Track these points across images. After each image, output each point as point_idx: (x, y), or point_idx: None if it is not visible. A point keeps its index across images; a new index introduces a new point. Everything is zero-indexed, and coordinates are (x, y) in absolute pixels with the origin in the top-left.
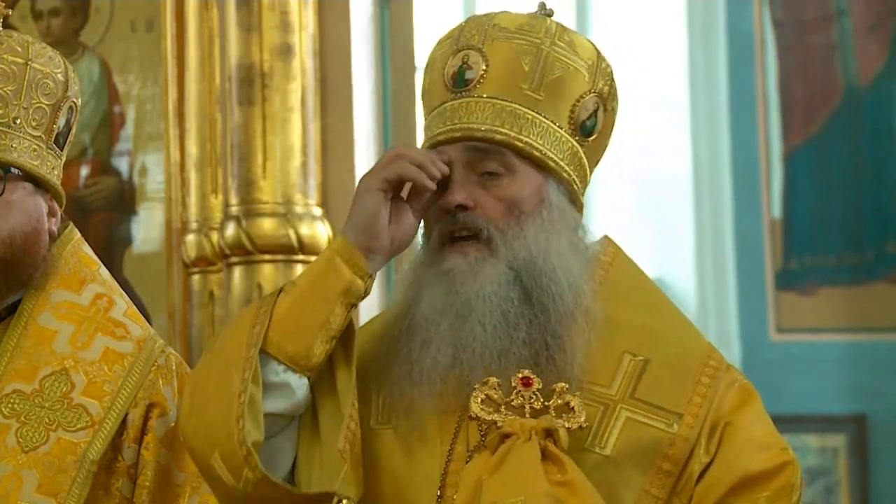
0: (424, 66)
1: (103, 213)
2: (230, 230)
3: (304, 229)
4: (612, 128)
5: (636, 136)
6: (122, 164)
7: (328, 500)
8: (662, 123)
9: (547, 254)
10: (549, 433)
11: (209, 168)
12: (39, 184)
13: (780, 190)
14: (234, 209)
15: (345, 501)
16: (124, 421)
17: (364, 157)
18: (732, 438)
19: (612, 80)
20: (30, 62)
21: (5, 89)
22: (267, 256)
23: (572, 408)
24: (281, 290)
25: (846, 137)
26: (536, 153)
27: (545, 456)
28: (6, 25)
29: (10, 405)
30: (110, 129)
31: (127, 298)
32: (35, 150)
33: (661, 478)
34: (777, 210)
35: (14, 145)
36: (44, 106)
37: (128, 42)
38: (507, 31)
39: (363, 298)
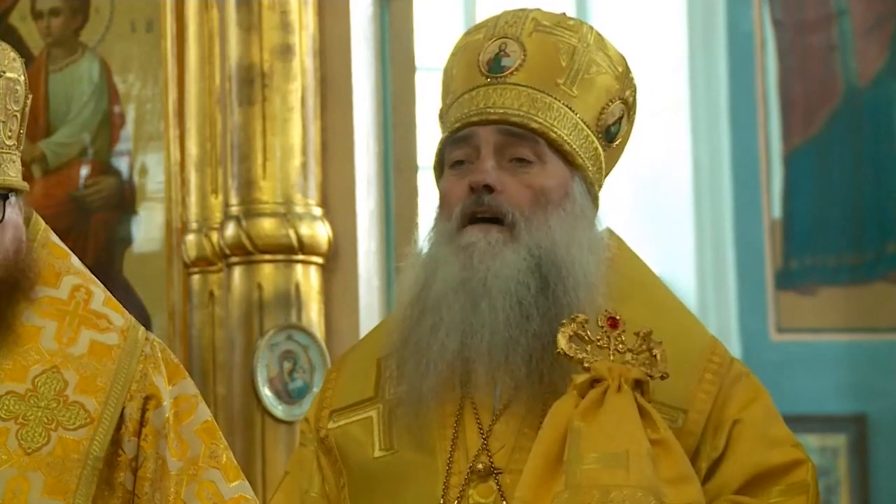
0: (450, 53)
1: (103, 213)
2: (230, 230)
3: (304, 229)
4: (629, 141)
5: (636, 135)
6: (122, 164)
7: None
8: (662, 123)
9: (569, 246)
10: (638, 383)
11: (209, 168)
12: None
13: (780, 190)
14: (234, 209)
15: None
16: (121, 414)
17: (364, 157)
18: (743, 436)
19: (636, 93)
20: (3, 73)
21: None
22: (267, 256)
23: (655, 355)
24: None
25: (846, 137)
26: (567, 147)
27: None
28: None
29: (5, 407)
30: (110, 129)
31: (102, 286)
32: (14, 161)
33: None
34: (777, 210)
35: (0, 164)
36: (16, 114)
37: (128, 42)
38: (545, 26)
39: None
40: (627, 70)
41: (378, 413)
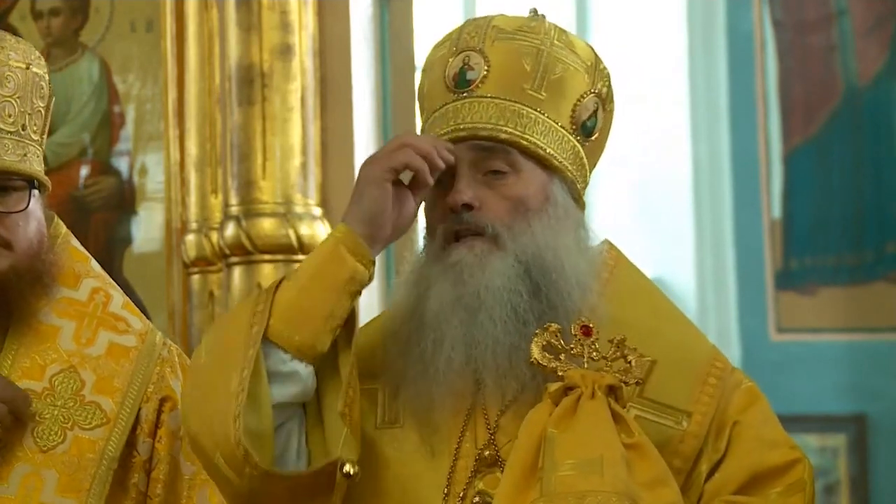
0: (422, 69)
1: (103, 213)
2: (230, 230)
3: (304, 229)
4: (610, 130)
5: (636, 136)
6: (122, 164)
7: (332, 472)
8: (662, 123)
9: (555, 249)
10: (612, 389)
11: (209, 168)
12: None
13: (780, 190)
14: (234, 209)
15: (347, 466)
16: (137, 416)
17: (364, 157)
18: (742, 437)
19: (610, 81)
20: (30, 66)
21: (13, 97)
22: (267, 256)
23: (629, 361)
24: (281, 281)
25: (846, 137)
26: (541, 151)
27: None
28: (3, 25)
29: None
30: (110, 129)
31: (120, 290)
32: (38, 156)
33: (672, 475)
34: (777, 210)
35: (27, 154)
36: (41, 110)
37: (128, 42)
38: (507, 32)
39: (367, 285)
40: (597, 62)
41: (382, 387)
